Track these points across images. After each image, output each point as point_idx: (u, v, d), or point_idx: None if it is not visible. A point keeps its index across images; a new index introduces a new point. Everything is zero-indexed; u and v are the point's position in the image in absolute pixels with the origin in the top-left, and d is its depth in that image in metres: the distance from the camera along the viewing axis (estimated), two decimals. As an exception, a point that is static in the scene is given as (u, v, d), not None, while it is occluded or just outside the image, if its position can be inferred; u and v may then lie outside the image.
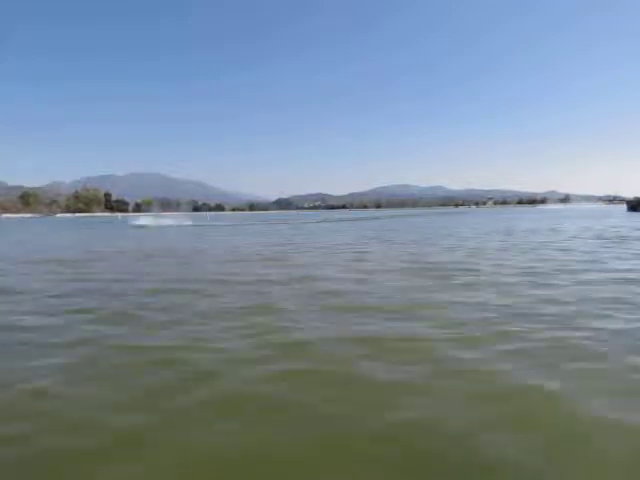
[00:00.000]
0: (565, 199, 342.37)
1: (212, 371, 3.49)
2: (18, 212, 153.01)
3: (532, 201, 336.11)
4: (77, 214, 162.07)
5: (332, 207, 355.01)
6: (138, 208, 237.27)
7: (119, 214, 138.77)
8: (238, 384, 3.24)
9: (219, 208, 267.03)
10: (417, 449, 2.37)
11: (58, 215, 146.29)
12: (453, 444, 2.39)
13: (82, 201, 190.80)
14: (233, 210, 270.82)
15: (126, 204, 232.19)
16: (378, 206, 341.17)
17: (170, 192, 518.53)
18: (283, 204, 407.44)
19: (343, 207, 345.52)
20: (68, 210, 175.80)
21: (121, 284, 7.64)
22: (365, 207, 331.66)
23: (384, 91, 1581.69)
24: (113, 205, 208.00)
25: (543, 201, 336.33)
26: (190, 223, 38.80)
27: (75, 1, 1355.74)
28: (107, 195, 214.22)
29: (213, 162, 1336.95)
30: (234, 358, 3.81)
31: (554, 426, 2.58)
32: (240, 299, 6.22)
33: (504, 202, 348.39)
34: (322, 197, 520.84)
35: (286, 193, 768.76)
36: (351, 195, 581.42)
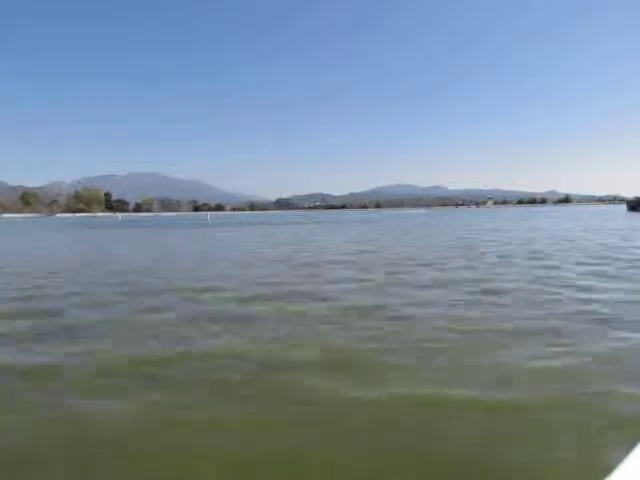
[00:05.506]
0: (565, 199, 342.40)
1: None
2: (18, 212, 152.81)
3: (532, 201, 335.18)
4: (77, 214, 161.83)
5: (332, 207, 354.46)
6: (138, 208, 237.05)
7: (119, 214, 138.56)
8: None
9: (219, 208, 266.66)
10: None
11: (58, 215, 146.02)
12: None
13: (82, 201, 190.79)
14: (233, 210, 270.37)
15: (126, 204, 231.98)
16: (378, 206, 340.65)
17: (170, 192, 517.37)
18: (283, 204, 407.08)
19: (343, 207, 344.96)
20: (68, 210, 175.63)
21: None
22: (365, 207, 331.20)
23: (384, 91, 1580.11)
24: (113, 205, 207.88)
25: (543, 201, 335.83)
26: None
27: (75, 1, 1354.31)
28: (107, 195, 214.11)
29: (213, 162, 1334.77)
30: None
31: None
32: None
33: (504, 202, 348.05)
34: (322, 197, 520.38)
35: (286, 193, 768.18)
36: (351, 195, 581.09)
